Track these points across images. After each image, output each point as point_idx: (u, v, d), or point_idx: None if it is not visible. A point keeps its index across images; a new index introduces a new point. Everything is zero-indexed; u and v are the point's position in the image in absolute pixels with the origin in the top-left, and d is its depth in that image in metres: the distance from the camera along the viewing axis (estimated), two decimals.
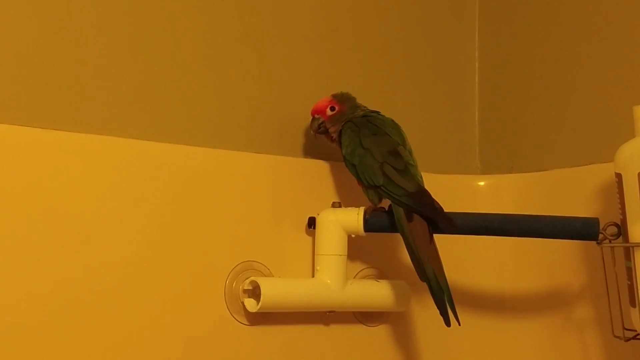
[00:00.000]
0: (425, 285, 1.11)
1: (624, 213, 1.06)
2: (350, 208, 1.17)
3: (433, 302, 1.10)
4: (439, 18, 1.42)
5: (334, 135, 1.19)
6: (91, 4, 1.08)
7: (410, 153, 1.17)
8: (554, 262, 1.27)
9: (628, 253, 1.06)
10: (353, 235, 1.17)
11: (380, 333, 1.26)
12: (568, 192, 1.27)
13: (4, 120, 1.00)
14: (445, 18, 1.43)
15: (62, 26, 1.06)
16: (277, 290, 1.13)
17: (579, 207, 1.21)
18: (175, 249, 1.10)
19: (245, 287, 1.13)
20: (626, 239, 1.06)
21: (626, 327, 1.08)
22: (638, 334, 1.07)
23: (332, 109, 1.19)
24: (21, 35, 1.03)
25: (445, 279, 1.10)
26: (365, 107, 1.20)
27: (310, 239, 1.20)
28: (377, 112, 1.20)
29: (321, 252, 1.17)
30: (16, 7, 1.03)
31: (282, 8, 1.25)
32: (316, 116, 1.19)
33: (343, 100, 1.19)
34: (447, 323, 1.10)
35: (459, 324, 1.10)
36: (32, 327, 1.00)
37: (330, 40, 1.29)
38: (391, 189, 1.12)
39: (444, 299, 1.10)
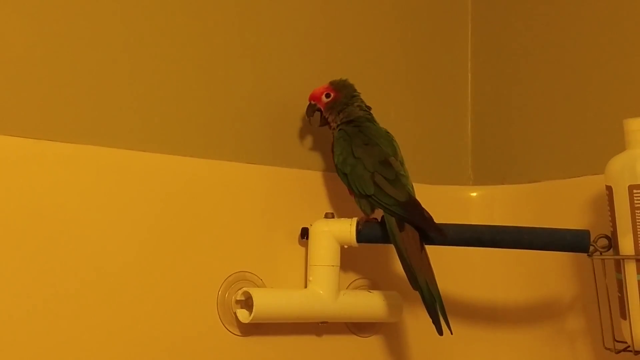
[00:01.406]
0: (417, 296, 1.11)
1: (614, 225, 1.07)
2: (343, 219, 1.18)
3: (425, 313, 1.11)
4: (432, 29, 1.43)
5: (333, 125, 1.20)
6: (83, 15, 1.08)
7: (402, 164, 1.17)
8: (545, 273, 1.27)
9: (619, 265, 1.07)
10: (346, 246, 1.17)
11: (372, 344, 1.27)
12: (559, 204, 1.28)
13: None
14: (437, 29, 1.43)
15: (55, 37, 1.06)
16: (269, 301, 1.13)
17: (570, 218, 1.22)
18: (168, 260, 1.10)
19: (238, 298, 1.13)
20: (617, 251, 1.07)
21: (617, 339, 1.09)
22: (629, 346, 1.07)
23: (328, 95, 1.19)
24: (15, 45, 1.03)
25: (437, 288, 1.11)
26: (362, 99, 1.21)
27: (303, 249, 1.20)
28: (372, 118, 1.20)
29: (314, 262, 1.17)
30: (10, 19, 1.03)
31: (276, 20, 1.25)
32: (312, 102, 1.20)
33: (339, 87, 1.20)
34: (440, 332, 1.10)
35: (451, 333, 1.11)
36: (27, 332, 1.00)
37: (324, 53, 1.30)
38: (382, 199, 1.12)
39: (436, 307, 1.10)
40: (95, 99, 1.09)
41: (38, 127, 1.04)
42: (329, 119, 1.20)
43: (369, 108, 1.21)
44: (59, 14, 1.07)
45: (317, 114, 1.21)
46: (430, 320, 1.10)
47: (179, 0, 1.17)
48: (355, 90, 1.21)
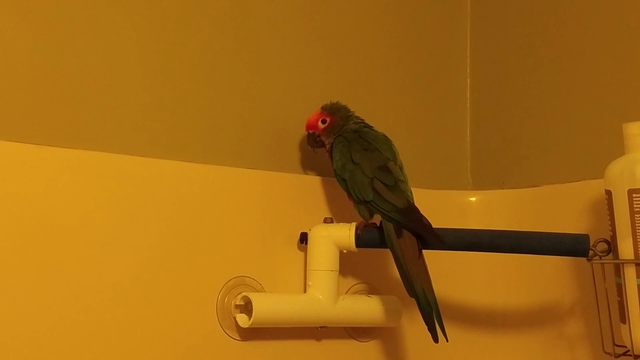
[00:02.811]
0: None
1: (613, 230, 1.07)
2: (342, 224, 1.18)
3: None
4: (431, 34, 1.43)
5: (327, 147, 1.19)
6: (83, 19, 1.08)
7: (401, 169, 1.17)
8: (544, 278, 1.27)
9: (618, 269, 1.07)
10: (345, 251, 1.17)
11: (371, 348, 1.26)
12: (559, 208, 1.28)
13: (0, 136, 1.01)
14: (437, 34, 1.44)
15: (56, 42, 1.06)
16: (269, 306, 1.13)
17: (569, 223, 1.22)
18: (168, 265, 1.10)
19: (237, 303, 1.13)
20: (616, 256, 1.07)
21: (616, 343, 1.09)
22: (628, 350, 1.07)
23: (324, 121, 1.19)
24: (15, 50, 1.04)
25: (434, 295, 1.11)
26: (357, 116, 1.21)
27: (302, 254, 1.20)
28: (369, 126, 1.20)
29: (313, 267, 1.17)
30: (10, 23, 1.03)
31: (274, 25, 1.25)
32: (310, 131, 1.20)
33: (333, 111, 1.20)
34: (435, 339, 1.10)
35: (447, 341, 1.11)
36: (26, 338, 1.00)
37: (322, 58, 1.30)
38: (380, 205, 1.12)
39: (432, 315, 1.10)
40: (96, 105, 1.09)
41: (38, 132, 1.04)
42: (325, 142, 1.20)
43: (364, 121, 1.21)
44: (59, 19, 1.07)
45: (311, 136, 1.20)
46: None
47: (181, 10, 1.17)
48: (349, 111, 1.21)
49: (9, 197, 1.00)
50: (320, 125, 1.19)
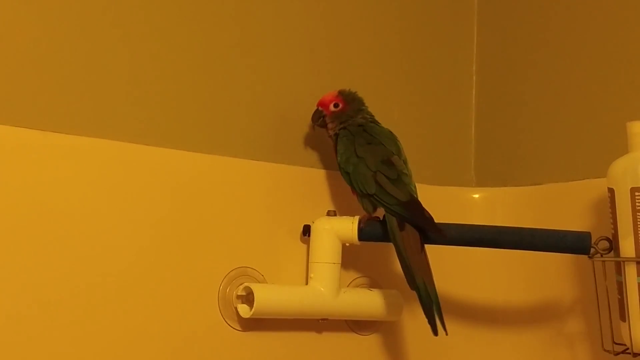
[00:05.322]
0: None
1: (615, 228, 1.07)
2: (345, 217, 1.18)
3: None
4: (437, 31, 1.43)
5: (331, 133, 1.20)
6: (86, 7, 1.09)
7: (405, 163, 1.17)
8: (545, 275, 1.28)
9: (619, 267, 1.07)
10: (347, 244, 1.18)
11: (372, 342, 1.27)
12: (561, 206, 1.28)
13: (1, 121, 1.01)
14: (443, 31, 1.44)
15: (57, 29, 1.06)
16: (270, 297, 1.14)
17: (571, 221, 1.22)
18: (170, 254, 1.11)
19: (239, 293, 1.14)
20: (617, 254, 1.07)
21: (616, 341, 1.09)
22: (627, 348, 1.07)
23: (336, 105, 1.19)
24: (17, 37, 1.04)
25: (435, 289, 1.11)
26: (369, 111, 1.21)
27: (304, 246, 1.20)
28: (376, 122, 1.21)
29: (315, 259, 1.17)
30: (13, 10, 1.03)
31: (280, 15, 1.26)
32: (319, 108, 1.20)
33: (349, 99, 1.20)
34: (435, 332, 1.10)
35: (446, 334, 1.11)
36: (26, 326, 1.00)
37: (328, 52, 1.30)
38: (383, 198, 1.13)
39: (433, 308, 1.10)
40: (101, 91, 1.09)
41: (44, 118, 1.04)
42: (329, 126, 1.20)
43: (373, 117, 1.22)
44: (65, 5, 1.07)
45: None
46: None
47: None
48: (363, 104, 1.21)
49: (12, 183, 1.00)
50: (332, 108, 1.19)
